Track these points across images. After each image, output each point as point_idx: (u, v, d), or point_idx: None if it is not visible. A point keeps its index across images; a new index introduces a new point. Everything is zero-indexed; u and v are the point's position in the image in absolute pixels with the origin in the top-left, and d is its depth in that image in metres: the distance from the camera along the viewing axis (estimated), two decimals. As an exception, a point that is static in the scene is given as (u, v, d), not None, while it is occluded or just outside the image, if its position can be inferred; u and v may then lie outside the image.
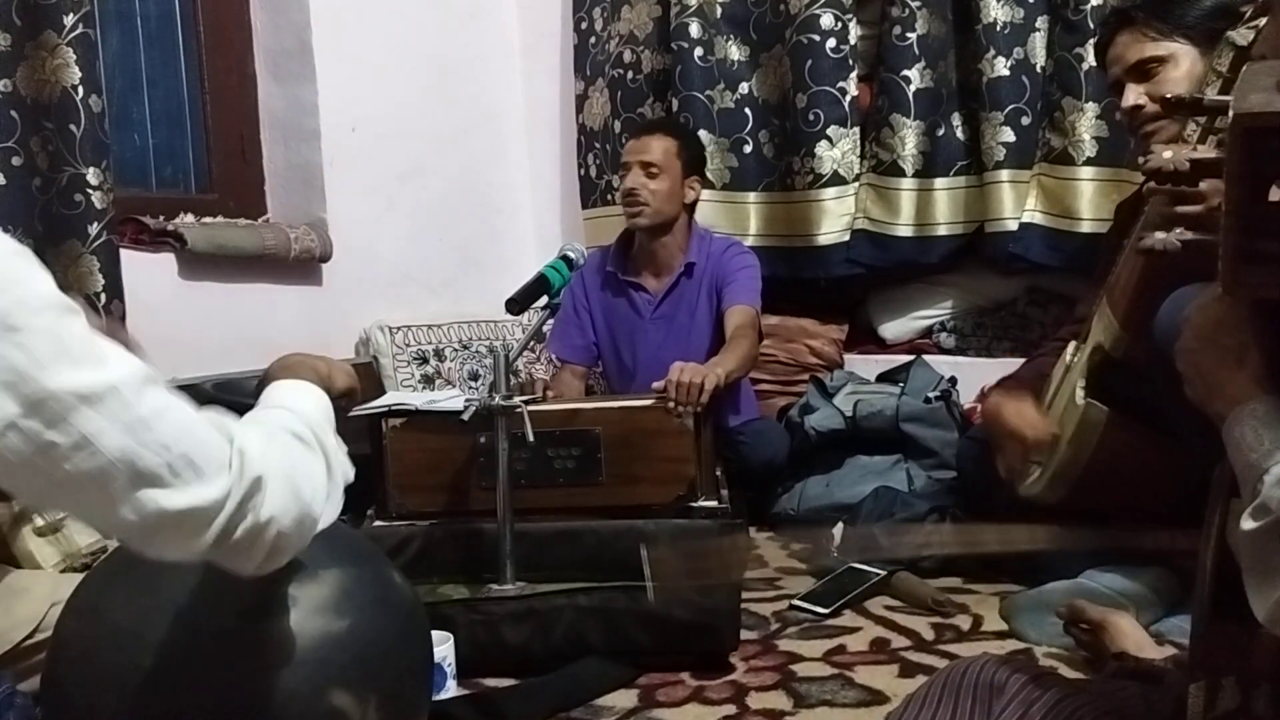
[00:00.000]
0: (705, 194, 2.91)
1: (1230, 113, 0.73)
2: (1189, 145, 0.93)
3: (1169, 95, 1.01)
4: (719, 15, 3.23)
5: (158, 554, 0.83)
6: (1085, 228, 2.79)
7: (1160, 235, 0.89)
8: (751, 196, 3.25)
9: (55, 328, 0.73)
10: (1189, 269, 1.02)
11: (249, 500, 0.83)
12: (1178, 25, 1.89)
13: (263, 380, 1.10)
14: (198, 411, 0.83)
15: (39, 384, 0.71)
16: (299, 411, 1.00)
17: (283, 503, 0.87)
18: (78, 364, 0.73)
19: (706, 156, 2.97)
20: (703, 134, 3.14)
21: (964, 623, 1.96)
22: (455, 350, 3.20)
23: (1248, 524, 0.70)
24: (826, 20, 3.04)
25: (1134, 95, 1.94)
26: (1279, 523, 0.68)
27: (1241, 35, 1.26)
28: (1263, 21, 0.99)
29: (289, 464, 0.89)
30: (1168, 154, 0.88)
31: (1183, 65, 1.89)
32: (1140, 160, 0.95)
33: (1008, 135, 2.88)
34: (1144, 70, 1.92)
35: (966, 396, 2.86)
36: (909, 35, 2.97)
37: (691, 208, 2.76)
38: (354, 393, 1.18)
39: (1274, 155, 0.72)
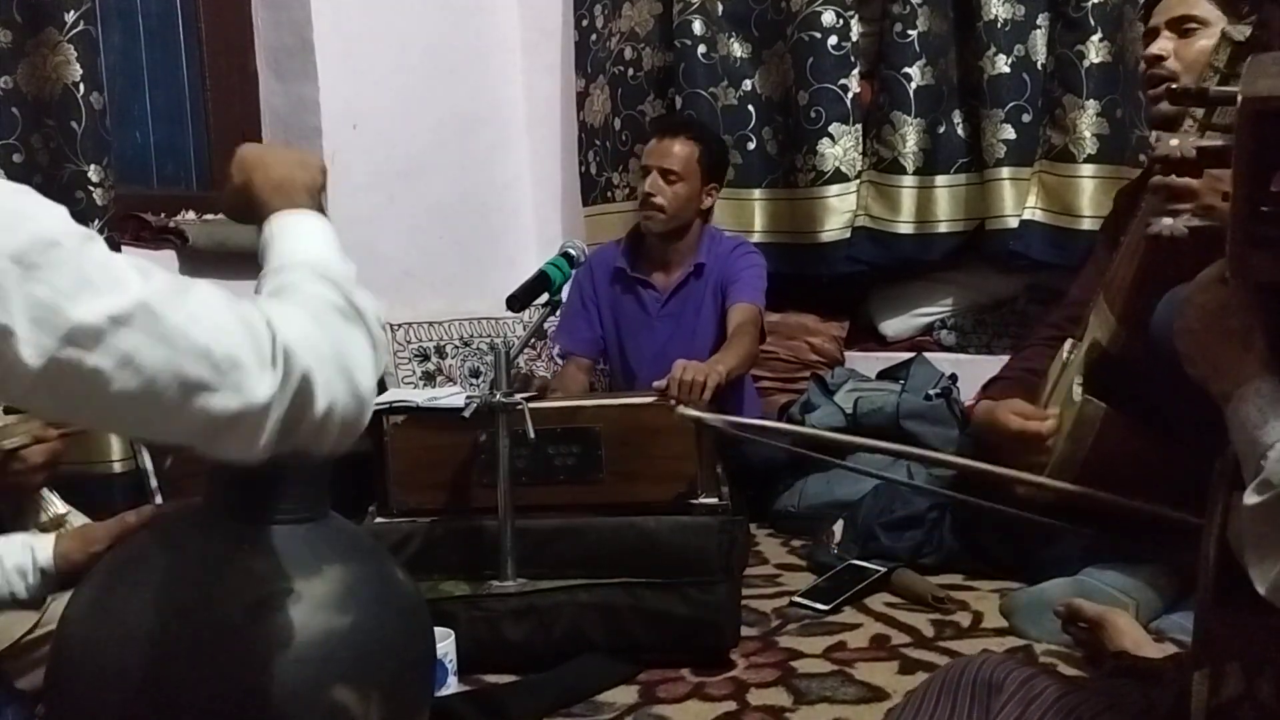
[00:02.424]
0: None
1: (1239, 98, 0.74)
2: (1193, 134, 0.94)
3: (1174, 86, 1.02)
4: (721, 12, 3.23)
5: (228, 456, 0.83)
6: (1086, 225, 2.79)
7: (1167, 221, 0.89)
8: (755, 193, 3.25)
9: (74, 259, 0.73)
10: (1189, 265, 1.02)
11: (301, 396, 0.82)
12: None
13: (243, 191, 1.06)
14: (235, 305, 0.82)
15: (68, 315, 0.72)
16: (324, 267, 0.94)
17: (337, 389, 0.85)
18: (102, 290, 0.74)
19: (729, 161, 2.95)
20: (704, 132, 3.14)
21: (964, 619, 1.96)
22: (456, 347, 3.20)
23: (1251, 499, 0.71)
24: (828, 17, 3.04)
25: (1161, 45, 1.91)
26: None
27: (1239, 31, 1.26)
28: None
29: (335, 346, 0.87)
30: (1174, 141, 0.89)
31: (1215, 36, 1.88)
32: (1150, 145, 0.96)
33: (1008, 133, 2.88)
34: (1182, 26, 1.90)
35: (967, 394, 2.85)
36: (910, 32, 2.97)
37: (707, 213, 2.77)
38: (325, 176, 1.13)
39: None
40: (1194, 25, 1.89)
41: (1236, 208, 0.75)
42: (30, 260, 0.71)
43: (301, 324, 0.85)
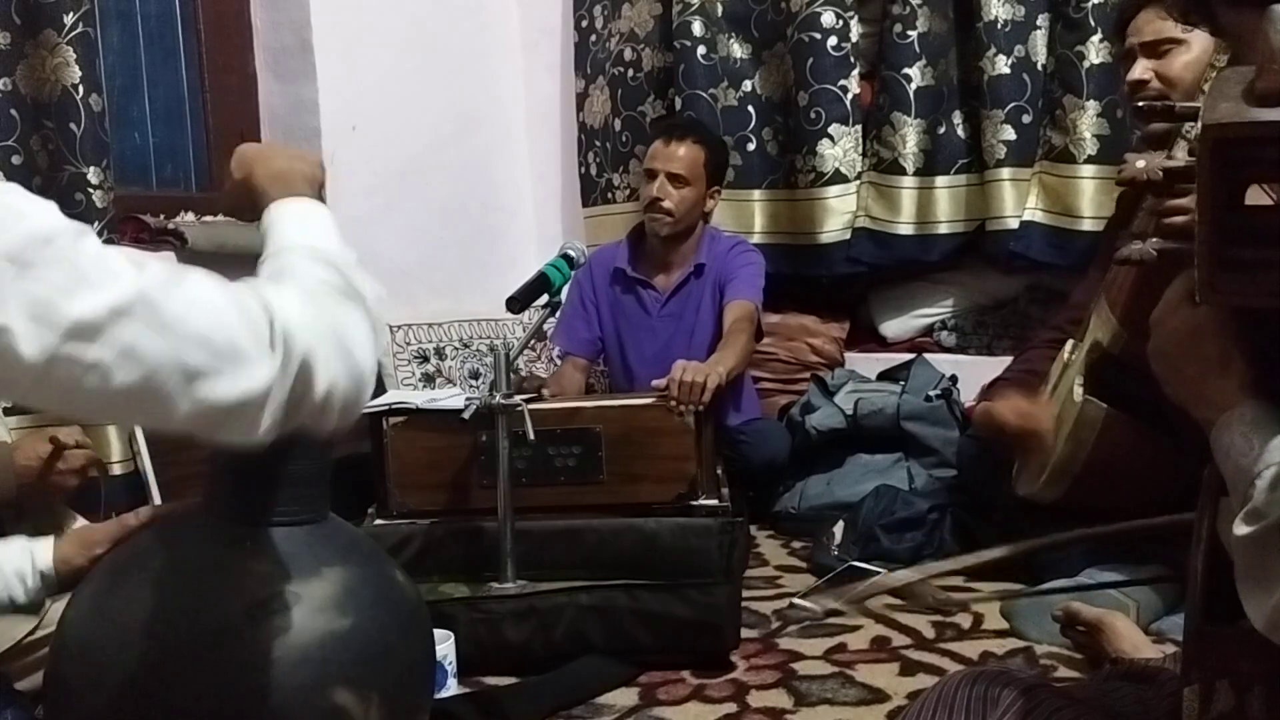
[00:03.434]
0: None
1: (1199, 123, 0.72)
2: (1163, 153, 0.93)
3: (1141, 104, 1.01)
4: (720, 13, 3.22)
5: (231, 442, 0.83)
6: (1086, 226, 2.79)
7: (1136, 246, 0.88)
8: (755, 194, 3.25)
9: (68, 254, 0.74)
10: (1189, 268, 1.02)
11: (302, 379, 0.82)
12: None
13: (243, 185, 1.09)
14: (231, 291, 0.82)
15: (66, 311, 0.72)
16: (322, 250, 0.96)
17: (337, 368, 0.85)
18: (99, 284, 0.74)
19: (729, 162, 2.95)
20: (705, 132, 3.14)
21: (964, 621, 1.96)
22: (456, 349, 3.20)
23: (1241, 529, 0.69)
24: (828, 18, 3.03)
25: (1141, 69, 1.96)
26: (1274, 527, 0.67)
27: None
28: None
29: (334, 326, 0.87)
30: (1140, 163, 0.87)
31: (1194, 50, 1.91)
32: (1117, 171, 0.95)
33: (1009, 133, 2.88)
34: (1158, 49, 1.95)
35: (967, 395, 2.85)
36: (910, 33, 2.97)
37: (709, 214, 2.78)
38: (324, 172, 1.16)
39: (1246, 162, 0.72)
40: (1169, 46, 1.93)
41: (1203, 231, 0.73)
42: (25, 258, 0.71)
43: (300, 306, 0.85)
